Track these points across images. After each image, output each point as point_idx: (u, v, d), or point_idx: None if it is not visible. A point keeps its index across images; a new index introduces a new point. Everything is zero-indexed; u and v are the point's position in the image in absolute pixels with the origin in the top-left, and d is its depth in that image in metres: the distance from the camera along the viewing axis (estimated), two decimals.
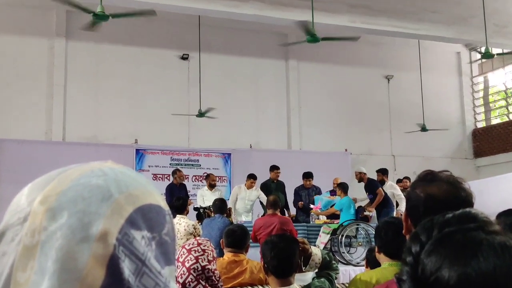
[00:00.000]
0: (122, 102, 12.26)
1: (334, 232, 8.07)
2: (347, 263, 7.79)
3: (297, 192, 9.74)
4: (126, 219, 0.56)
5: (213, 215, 7.44)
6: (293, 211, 9.77)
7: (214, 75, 13.01)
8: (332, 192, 9.34)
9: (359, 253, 8.11)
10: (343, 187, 8.54)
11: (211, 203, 8.12)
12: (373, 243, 7.54)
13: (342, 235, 7.97)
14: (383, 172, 9.96)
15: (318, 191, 9.60)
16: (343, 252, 7.92)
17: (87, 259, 0.52)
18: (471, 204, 1.48)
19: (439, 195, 1.50)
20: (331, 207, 8.74)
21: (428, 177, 1.57)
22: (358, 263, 7.83)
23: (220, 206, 6.94)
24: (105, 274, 0.53)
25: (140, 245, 0.55)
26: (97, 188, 0.56)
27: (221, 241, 3.92)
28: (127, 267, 0.54)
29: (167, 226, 0.60)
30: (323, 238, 8.04)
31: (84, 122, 11.93)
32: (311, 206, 9.09)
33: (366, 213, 9.25)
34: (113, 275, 0.53)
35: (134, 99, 12.35)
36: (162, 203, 0.62)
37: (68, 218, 0.54)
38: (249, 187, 9.25)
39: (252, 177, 9.28)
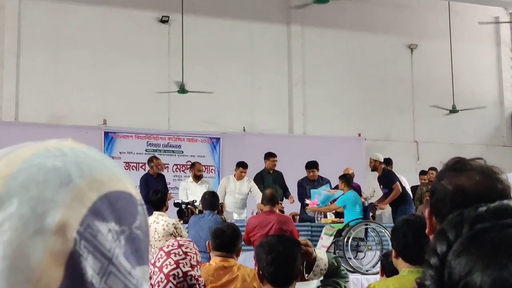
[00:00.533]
0: (88, 75, 12.20)
1: (338, 234, 8.09)
2: (355, 270, 7.83)
3: (301, 184, 9.78)
4: (89, 209, 0.56)
5: (197, 212, 7.46)
6: (296, 208, 9.79)
7: (200, 42, 12.95)
8: (335, 186, 9.38)
9: (369, 258, 8.17)
10: (346, 179, 8.58)
11: (196, 198, 8.14)
12: (385, 247, 7.63)
13: (349, 237, 8.00)
14: (387, 162, 10.02)
15: (325, 183, 9.61)
16: (350, 258, 7.95)
17: (42, 256, 0.52)
18: (509, 199, 1.48)
19: (471, 188, 1.51)
20: (331, 202, 8.77)
21: (458, 166, 1.57)
22: (367, 270, 7.89)
23: (211, 201, 6.97)
24: (64, 275, 0.53)
25: (106, 239, 0.55)
26: (54, 171, 0.56)
27: (207, 243, 3.94)
28: (90, 266, 0.54)
29: (139, 218, 0.60)
30: (325, 240, 8.05)
31: (42, 99, 11.89)
32: (306, 201, 9.09)
33: (378, 211, 9.28)
34: (73, 275, 0.53)
35: (102, 71, 12.30)
36: (133, 191, 0.62)
37: (18, 207, 0.54)
38: (239, 177, 9.28)
39: (241, 165, 9.31)
